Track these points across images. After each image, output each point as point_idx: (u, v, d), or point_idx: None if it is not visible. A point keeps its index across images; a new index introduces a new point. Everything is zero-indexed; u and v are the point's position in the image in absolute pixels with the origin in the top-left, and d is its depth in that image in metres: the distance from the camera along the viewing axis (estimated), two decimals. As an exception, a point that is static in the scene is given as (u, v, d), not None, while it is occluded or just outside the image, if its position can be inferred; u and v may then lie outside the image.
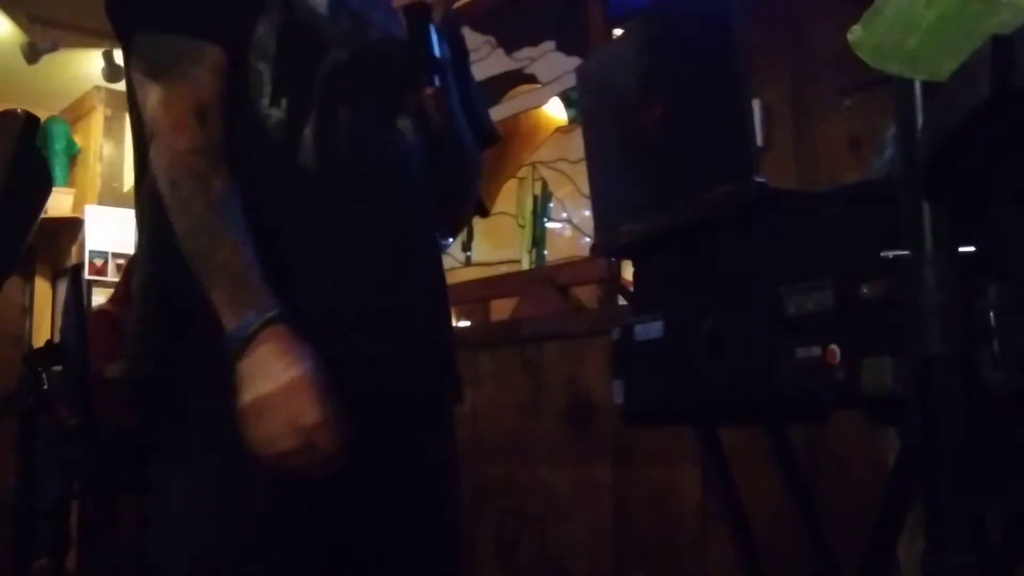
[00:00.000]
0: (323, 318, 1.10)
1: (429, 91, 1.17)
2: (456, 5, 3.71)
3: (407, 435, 1.18)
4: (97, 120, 6.02)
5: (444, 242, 1.37)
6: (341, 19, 1.19)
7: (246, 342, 1.01)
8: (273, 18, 1.15)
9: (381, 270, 1.15)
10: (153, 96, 1.13)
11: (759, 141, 2.30)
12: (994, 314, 0.89)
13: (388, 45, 1.20)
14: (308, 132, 1.14)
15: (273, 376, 1.00)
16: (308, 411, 1.00)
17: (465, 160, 1.33)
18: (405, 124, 1.22)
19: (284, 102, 1.14)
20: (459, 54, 1.38)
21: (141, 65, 1.16)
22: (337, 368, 1.04)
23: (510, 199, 3.56)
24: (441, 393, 1.27)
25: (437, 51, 1.16)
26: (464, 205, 1.40)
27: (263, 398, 1.00)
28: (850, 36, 0.85)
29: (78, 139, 6.17)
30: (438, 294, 1.27)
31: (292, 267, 1.11)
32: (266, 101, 1.14)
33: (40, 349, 3.95)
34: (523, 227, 3.54)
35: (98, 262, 5.84)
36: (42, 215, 1.79)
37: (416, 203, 1.22)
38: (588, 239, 3.19)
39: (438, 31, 1.18)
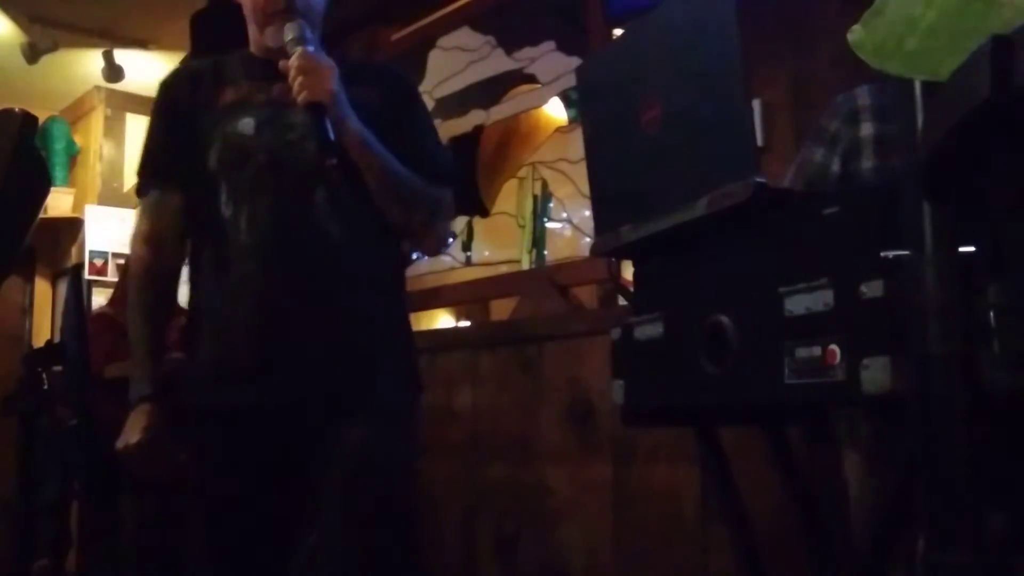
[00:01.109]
0: (209, 331, 1.75)
1: (330, 164, 1.59)
2: (456, 5, 3.71)
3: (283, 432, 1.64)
4: (97, 120, 6.02)
5: (414, 255, 1.84)
6: (264, 132, 1.66)
7: (132, 405, 1.75)
8: (216, 147, 1.67)
9: (253, 319, 1.65)
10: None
11: (759, 141, 2.30)
12: (994, 314, 0.89)
13: (304, 140, 1.63)
14: (243, 220, 1.64)
15: (129, 426, 1.72)
16: (131, 439, 1.69)
17: (379, 198, 1.69)
18: (321, 194, 1.64)
19: (227, 205, 1.65)
20: (402, 101, 1.77)
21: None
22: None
23: (510, 199, 3.56)
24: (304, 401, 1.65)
25: (331, 135, 1.57)
26: (405, 230, 1.76)
27: (123, 433, 1.72)
28: (850, 36, 0.85)
29: (78, 139, 6.17)
30: (335, 305, 1.65)
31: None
32: (223, 202, 1.66)
33: (40, 349, 3.95)
34: (523, 227, 3.54)
35: (98, 262, 5.84)
36: (42, 215, 1.80)
37: (331, 249, 1.64)
38: (588, 239, 3.19)
39: (331, 119, 1.58)
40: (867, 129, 1.84)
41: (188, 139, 1.70)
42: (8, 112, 1.61)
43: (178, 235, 1.75)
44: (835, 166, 1.87)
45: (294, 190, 1.63)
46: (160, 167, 1.76)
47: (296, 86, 1.58)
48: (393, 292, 1.77)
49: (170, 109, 1.76)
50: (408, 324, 1.84)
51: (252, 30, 1.78)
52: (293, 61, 1.60)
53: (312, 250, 1.63)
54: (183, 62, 2.03)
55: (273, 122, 1.66)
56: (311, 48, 1.62)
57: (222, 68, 1.78)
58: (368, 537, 1.57)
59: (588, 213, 3.05)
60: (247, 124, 1.66)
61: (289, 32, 1.64)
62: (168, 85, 1.81)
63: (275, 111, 1.66)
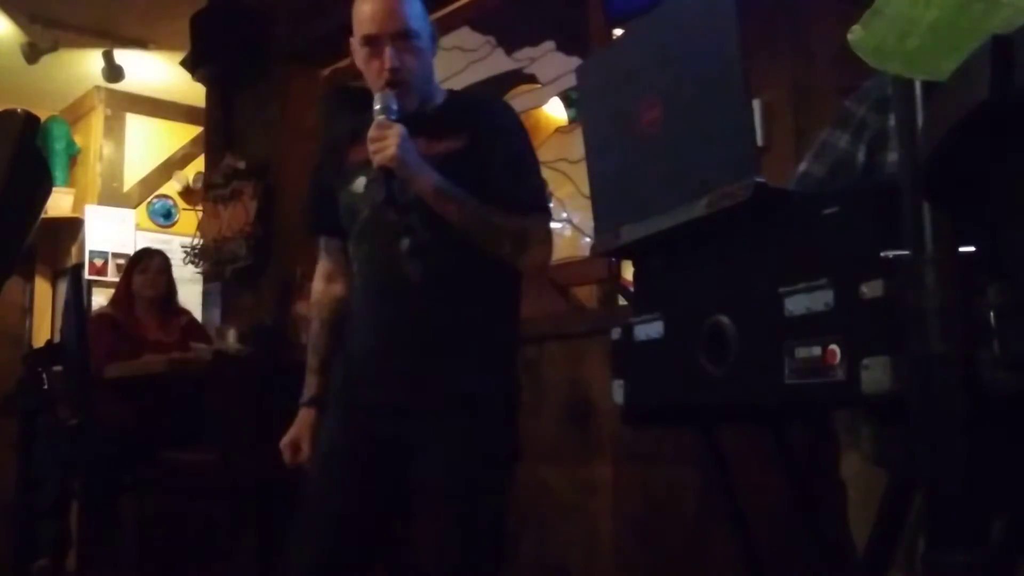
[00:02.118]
0: (344, 350, 2.03)
1: (392, 217, 1.89)
2: (456, 5, 3.71)
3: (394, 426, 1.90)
4: (97, 120, 6.02)
5: (518, 270, 2.00)
6: (369, 190, 1.92)
7: (302, 406, 2.07)
8: (342, 203, 1.99)
9: (375, 336, 1.96)
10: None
11: (759, 141, 2.30)
12: (994, 314, 0.89)
13: (398, 192, 1.85)
14: (356, 267, 1.99)
15: (297, 422, 2.06)
16: (286, 437, 2.06)
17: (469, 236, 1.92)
18: (405, 243, 1.89)
19: (350, 253, 2.00)
20: (487, 138, 1.94)
21: None
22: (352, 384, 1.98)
23: (510, 199, 3.55)
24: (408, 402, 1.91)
25: (392, 194, 1.84)
26: (493, 254, 1.95)
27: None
28: (850, 36, 0.85)
29: (78, 139, 6.18)
30: (428, 343, 1.91)
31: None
32: (348, 249, 2.01)
33: (40, 349, 3.95)
34: (523, 227, 3.53)
35: (98, 262, 5.84)
36: (42, 215, 1.79)
37: (411, 289, 1.89)
38: (588, 239, 3.19)
39: (400, 179, 1.85)
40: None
41: (330, 197, 2.02)
42: (10, 112, 1.61)
43: (343, 272, 2.07)
44: (861, 155, 1.77)
45: (385, 240, 1.91)
46: (316, 220, 2.12)
47: (371, 152, 1.83)
48: (483, 315, 1.95)
49: (317, 173, 2.12)
50: (497, 341, 1.98)
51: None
52: (371, 131, 1.84)
53: (395, 292, 1.91)
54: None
55: (377, 182, 1.88)
56: (392, 117, 1.85)
57: (358, 129, 1.98)
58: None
59: (588, 213, 3.05)
60: (360, 183, 1.95)
61: (376, 103, 1.87)
62: (319, 154, 2.19)
63: (380, 172, 1.87)
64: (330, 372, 2.02)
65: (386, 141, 1.81)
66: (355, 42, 1.94)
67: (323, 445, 1.97)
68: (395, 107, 1.86)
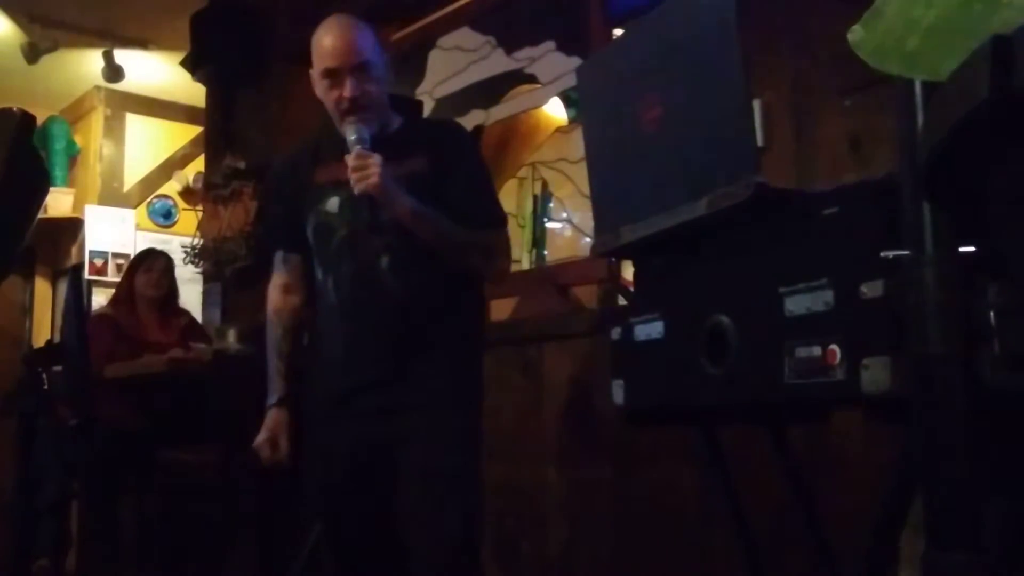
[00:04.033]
0: (320, 361, 2.16)
1: (375, 237, 2.03)
2: (456, 5, 3.71)
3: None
4: (97, 120, 6.01)
5: (482, 279, 2.21)
6: (344, 210, 2.06)
7: (268, 409, 2.19)
8: (311, 221, 2.11)
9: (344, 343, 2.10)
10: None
11: (759, 141, 2.30)
12: (994, 314, 0.89)
13: (378, 215, 2.00)
14: (330, 282, 2.09)
15: (264, 424, 2.17)
16: (261, 436, 2.16)
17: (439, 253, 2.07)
18: (385, 260, 2.03)
19: (320, 269, 2.12)
20: (448, 160, 2.07)
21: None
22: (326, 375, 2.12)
23: (510, 199, 3.55)
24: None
25: (380, 216, 1.99)
26: (468, 272, 2.14)
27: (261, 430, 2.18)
28: (850, 36, 0.85)
29: (78, 139, 6.17)
30: (408, 349, 2.04)
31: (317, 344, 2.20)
32: (317, 266, 2.13)
33: (40, 349, 3.95)
34: (523, 227, 3.54)
35: (98, 262, 5.84)
36: (42, 215, 1.79)
37: (391, 303, 2.03)
38: (588, 239, 3.19)
39: (380, 204, 1.99)
40: None
41: (294, 215, 2.16)
42: (6, 111, 1.61)
43: (300, 284, 2.22)
44: None
45: (365, 259, 2.04)
46: (278, 237, 2.27)
47: (352, 180, 1.96)
48: (455, 322, 2.10)
49: (277, 192, 2.28)
50: (467, 345, 2.15)
51: (336, 121, 2.11)
52: (350, 160, 1.97)
53: (376, 306, 2.04)
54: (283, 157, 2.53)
55: (352, 203, 2.04)
56: (365, 148, 1.98)
57: (318, 149, 2.18)
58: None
59: (588, 213, 3.05)
60: (333, 203, 2.08)
61: (349, 134, 2.01)
62: (275, 174, 2.37)
63: (353, 193, 2.00)
64: (293, 377, 2.19)
65: (368, 171, 1.95)
66: (315, 74, 2.08)
67: (320, 453, 2.11)
68: (368, 137, 2.01)
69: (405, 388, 2.03)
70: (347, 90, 2.02)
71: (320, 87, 2.08)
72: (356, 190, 1.96)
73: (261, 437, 2.15)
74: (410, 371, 2.04)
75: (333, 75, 2.04)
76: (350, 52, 2.03)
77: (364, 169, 1.95)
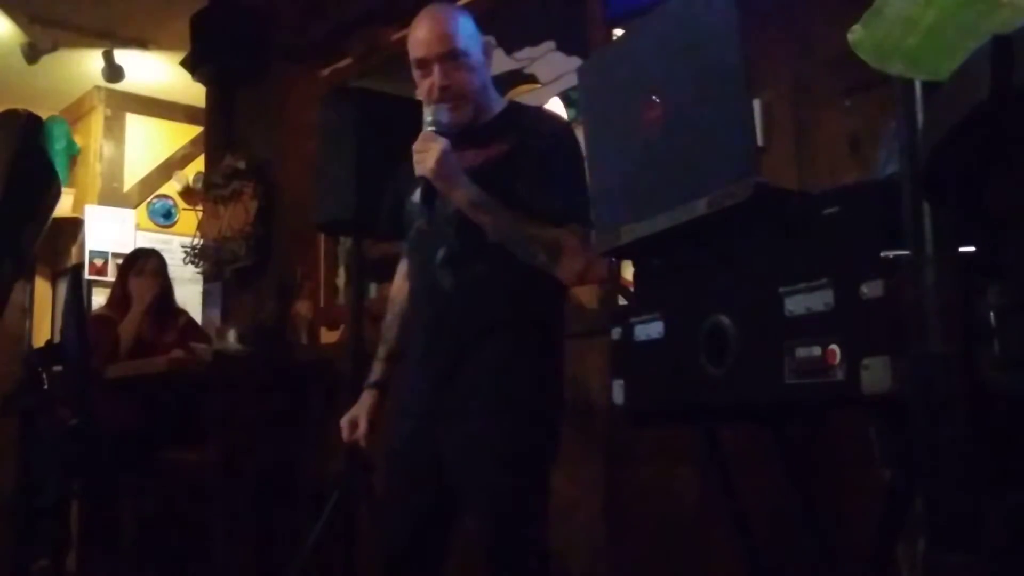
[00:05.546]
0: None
1: (421, 225, 2.00)
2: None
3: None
4: (97, 120, 6.02)
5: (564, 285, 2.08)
6: (422, 201, 1.99)
7: (365, 389, 2.24)
8: (404, 211, 2.11)
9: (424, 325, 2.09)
10: None
11: (759, 141, 2.30)
12: (994, 314, 0.89)
13: (445, 207, 1.97)
14: (410, 269, 2.14)
15: (358, 403, 2.23)
16: (347, 415, 2.22)
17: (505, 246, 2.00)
18: (442, 252, 2.00)
19: (404, 258, 2.23)
20: (532, 149, 1.98)
21: None
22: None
23: (510, 199, 3.55)
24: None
25: (425, 204, 1.95)
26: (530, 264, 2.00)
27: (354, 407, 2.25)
28: (850, 36, 0.85)
29: (78, 139, 6.17)
30: (458, 350, 1.99)
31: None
32: (403, 260, 2.22)
33: (40, 349, 3.94)
34: (523, 227, 3.53)
35: (98, 262, 5.84)
36: (46, 216, 1.79)
37: (443, 298, 2.01)
38: (588, 239, 3.18)
39: (436, 190, 1.95)
40: None
41: (400, 205, 2.16)
42: (11, 113, 1.61)
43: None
44: None
45: (428, 252, 2.04)
46: (395, 227, 2.24)
47: (415, 163, 1.94)
48: (517, 324, 2.00)
49: (395, 182, 2.23)
50: (530, 351, 2.01)
51: None
52: (416, 143, 1.95)
53: (432, 300, 2.04)
54: None
55: (426, 193, 1.99)
56: (440, 129, 1.96)
57: None
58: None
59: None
60: (417, 194, 2.03)
61: (427, 115, 1.99)
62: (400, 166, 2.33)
63: (421, 182, 1.98)
64: (395, 361, 2.20)
65: (427, 153, 1.92)
66: (412, 64, 2.08)
67: (390, 445, 2.10)
68: (444, 120, 1.98)
69: (450, 392, 1.96)
70: (436, 79, 2.01)
71: (415, 76, 2.07)
72: (415, 173, 1.94)
73: (347, 416, 2.19)
74: (458, 374, 1.97)
75: (423, 65, 2.03)
76: (439, 42, 2.02)
77: (424, 151, 1.93)
